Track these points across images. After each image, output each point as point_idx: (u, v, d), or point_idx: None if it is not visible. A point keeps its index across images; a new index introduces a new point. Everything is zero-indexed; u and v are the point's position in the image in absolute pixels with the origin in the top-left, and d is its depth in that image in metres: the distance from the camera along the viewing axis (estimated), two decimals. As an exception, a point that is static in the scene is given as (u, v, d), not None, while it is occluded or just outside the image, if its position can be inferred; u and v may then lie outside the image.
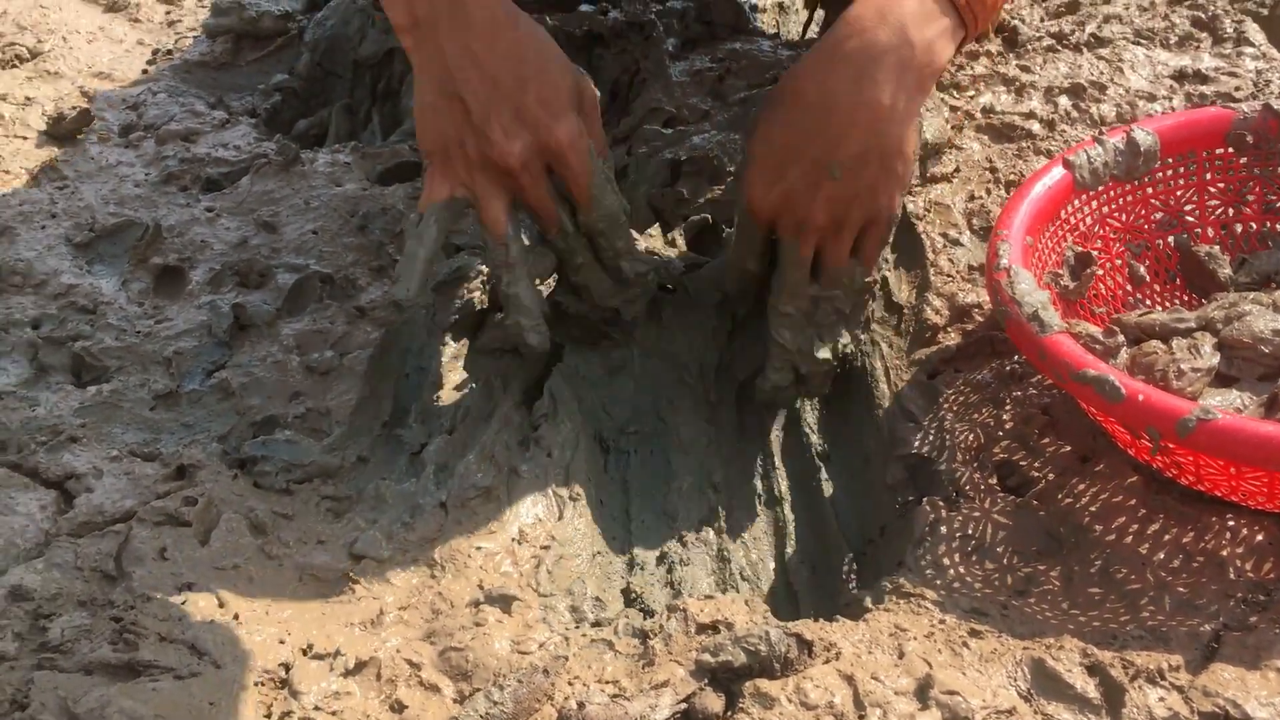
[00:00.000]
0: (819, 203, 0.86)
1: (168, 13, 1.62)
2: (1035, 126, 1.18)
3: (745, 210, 0.91)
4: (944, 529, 0.85)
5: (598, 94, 0.93)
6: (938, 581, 0.81)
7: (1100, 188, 0.95)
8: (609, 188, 0.93)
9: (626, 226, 0.96)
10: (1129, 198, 0.97)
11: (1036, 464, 0.88)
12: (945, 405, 0.95)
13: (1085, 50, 1.30)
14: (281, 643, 0.78)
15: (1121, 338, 0.86)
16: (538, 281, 0.96)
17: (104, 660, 0.73)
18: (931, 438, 0.93)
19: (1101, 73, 1.25)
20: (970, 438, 0.91)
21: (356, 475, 0.95)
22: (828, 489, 0.99)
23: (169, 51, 1.51)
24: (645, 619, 0.80)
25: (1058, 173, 0.93)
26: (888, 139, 0.84)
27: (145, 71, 1.47)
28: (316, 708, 0.73)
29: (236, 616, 0.80)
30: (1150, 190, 0.98)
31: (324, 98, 1.45)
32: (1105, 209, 0.96)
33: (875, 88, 0.82)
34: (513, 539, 0.88)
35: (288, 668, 0.76)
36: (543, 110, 0.86)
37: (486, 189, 0.89)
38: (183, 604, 0.80)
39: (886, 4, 0.82)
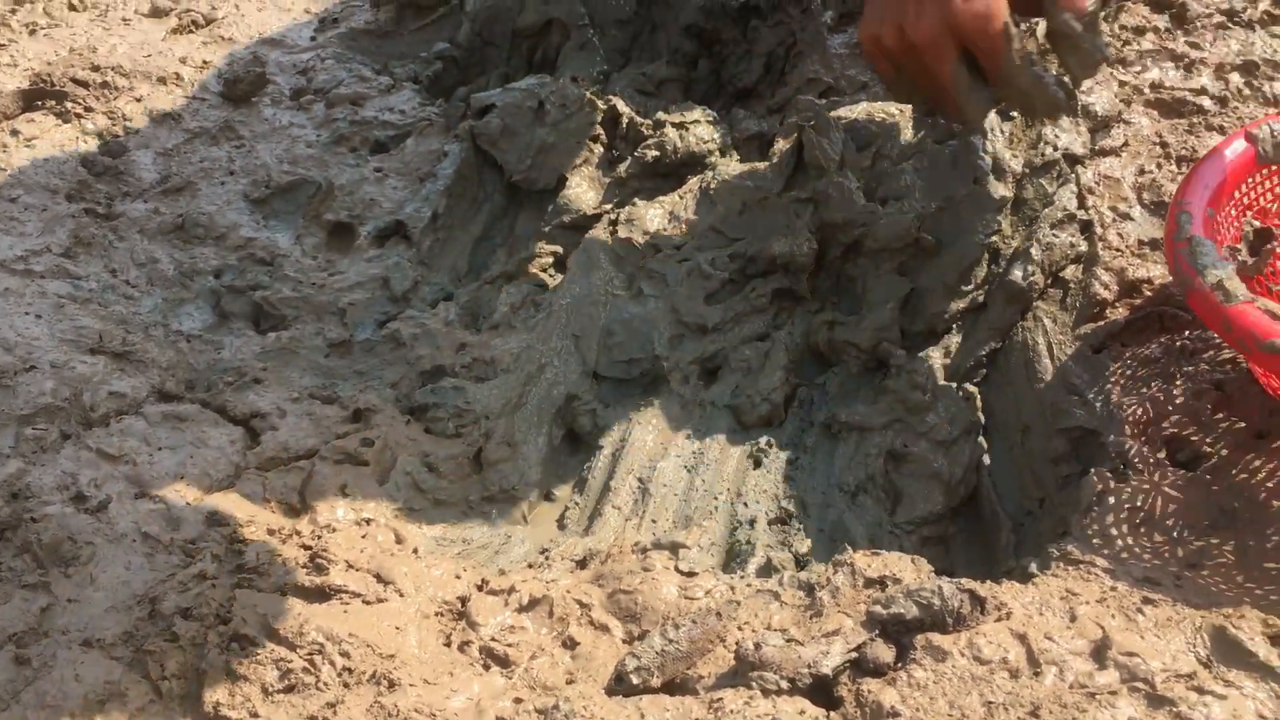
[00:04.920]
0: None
1: (332, -17, 1.67)
2: (1206, 102, 1.15)
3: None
4: (1112, 500, 0.84)
5: None
6: (1105, 551, 0.81)
7: (1283, 163, 0.93)
8: (1026, 65, 0.88)
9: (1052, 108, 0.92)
10: (1313, 174, 0.95)
11: (1209, 439, 0.87)
12: (1112, 379, 0.93)
13: (1259, 28, 1.25)
14: (457, 578, 0.81)
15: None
16: None
17: (298, 583, 0.77)
18: (1097, 411, 0.92)
19: (1276, 50, 1.22)
20: (1139, 412, 0.90)
21: (521, 419, 0.98)
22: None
23: (335, 20, 1.56)
24: (809, 572, 0.81)
25: (1239, 146, 0.91)
26: None
27: (313, 39, 1.52)
28: (494, 639, 0.75)
29: (415, 551, 0.83)
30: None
31: (482, 66, 1.49)
32: (1287, 185, 0.94)
33: None
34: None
35: (464, 601, 0.79)
36: None
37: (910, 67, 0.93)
38: (363, 537, 0.84)
39: None
